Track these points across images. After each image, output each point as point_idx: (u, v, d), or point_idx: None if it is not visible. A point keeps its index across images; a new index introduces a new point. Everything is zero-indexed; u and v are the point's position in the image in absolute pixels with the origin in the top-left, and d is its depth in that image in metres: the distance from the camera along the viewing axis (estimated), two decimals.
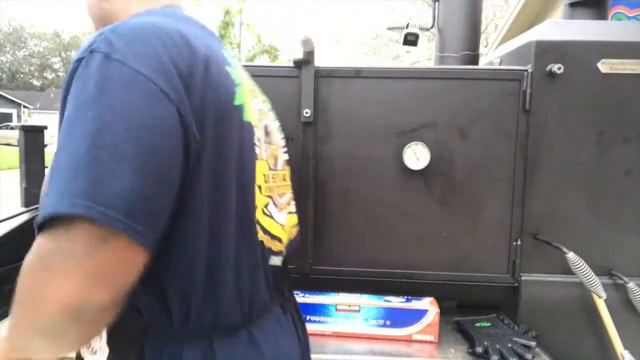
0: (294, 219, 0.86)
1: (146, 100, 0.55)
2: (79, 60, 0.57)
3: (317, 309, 1.40)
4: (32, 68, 55.50)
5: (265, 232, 0.71)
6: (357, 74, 1.46)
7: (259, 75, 1.50)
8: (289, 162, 0.91)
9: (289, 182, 0.87)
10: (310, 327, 1.34)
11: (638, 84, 1.42)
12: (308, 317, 1.40)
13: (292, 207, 0.87)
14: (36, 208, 1.78)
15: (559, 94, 1.44)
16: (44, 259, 0.50)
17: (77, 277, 0.48)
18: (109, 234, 0.49)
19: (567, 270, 1.40)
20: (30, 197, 1.94)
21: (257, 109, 0.76)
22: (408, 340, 1.36)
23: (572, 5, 1.68)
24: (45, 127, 2.16)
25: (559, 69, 1.41)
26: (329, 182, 1.49)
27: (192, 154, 0.59)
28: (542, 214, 1.46)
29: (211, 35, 0.75)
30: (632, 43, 1.42)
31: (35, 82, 55.40)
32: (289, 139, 1.49)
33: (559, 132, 1.45)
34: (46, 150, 2.22)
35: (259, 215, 0.70)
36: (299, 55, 1.47)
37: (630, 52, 1.41)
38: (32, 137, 2.05)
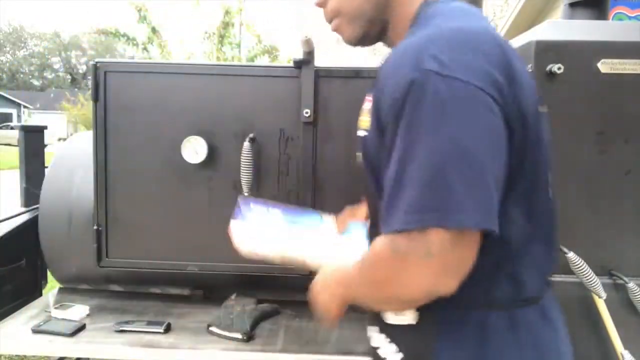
0: None
1: (485, 112, 0.61)
2: (411, 82, 0.62)
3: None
4: (32, 68, 55.48)
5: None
6: (357, 74, 1.46)
7: (259, 75, 1.50)
8: None
9: None
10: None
11: (638, 84, 1.42)
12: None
13: None
14: (36, 208, 1.78)
15: (559, 94, 1.44)
16: (403, 255, 0.63)
17: (435, 270, 0.62)
18: (461, 235, 0.61)
19: (567, 270, 1.40)
20: (30, 197, 1.94)
21: None
22: None
23: (572, 5, 1.68)
24: (45, 127, 2.16)
25: (559, 69, 1.41)
26: (329, 182, 1.49)
27: (514, 154, 0.65)
28: None
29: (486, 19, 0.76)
30: (632, 43, 1.42)
31: (35, 82, 55.37)
32: (289, 139, 1.49)
33: (559, 132, 1.45)
34: (46, 150, 2.22)
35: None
36: (299, 55, 1.47)
37: (630, 52, 1.41)
38: (32, 137, 2.05)
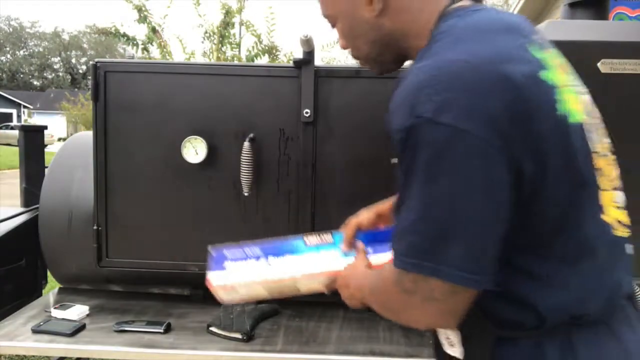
0: None
1: (480, 164, 0.59)
2: (407, 130, 0.61)
3: (281, 249, 1.08)
4: (32, 68, 55.48)
5: (623, 224, 0.70)
6: (357, 74, 1.46)
7: (259, 75, 1.50)
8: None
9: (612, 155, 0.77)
10: (272, 273, 1.04)
11: (638, 84, 1.42)
12: (270, 261, 1.06)
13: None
14: (36, 208, 1.78)
15: None
16: (409, 294, 0.65)
17: (436, 312, 0.66)
18: (457, 288, 0.62)
19: None
20: (30, 197, 1.94)
21: (574, 93, 0.69)
22: None
23: (572, 5, 1.68)
24: (45, 127, 2.16)
25: None
26: (329, 182, 1.49)
27: (527, 190, 0.62)
28: None
29: (511, 29, 0.70)
30: (632, 43, 1.42)
31: (35, 82, 55.38)
32: (289, 139, 1.49)
33: None
34: (46, 150, 2.22)
35: (614, 213, 0.69)
36: (299, 55, 1.47)
37: (630, 52, 1.41)
38: (32, 137, 2.05)
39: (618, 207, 0.71)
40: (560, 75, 0.69)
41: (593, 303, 0.67)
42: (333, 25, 0.85)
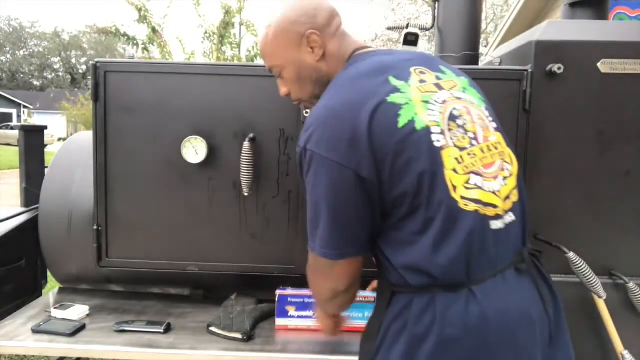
0: (512, 181, 0.93)
1: (329, 174, 0.86)
2: (298, 153, 0.92)
3: None
4: (32, 68, 55.44)
5: (477, 202, 0.85)
6: None
7: (259, 75, 1.50)
8: (498, 129, 0.97)
9: (500, 149, 0.93)
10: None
11: (638, 84, 1.42)
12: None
13: (507, 172, 0.92)
14: (36, 208, 1.78)
15: (559, 94, 1.44)
16: (313, 267, 0.98)
17: (328, 278, 0.96)
18: (322, 259, 0.92)
19: (567, 270, 1.40)
20: (30, 197, 1.94)
21: (435, 107, 0.88)
22: None
23: (572, 5, 1.68)
24: (45, 127, 2.16)
25: (559, 69, 1.41)
26: None
27: (377, 191, 0.85)
28: (542, 214, 1.45)
29: (380, 70, 0.90)
30: (632, 43, 1.42)
31: (35, 82, 55.34)
32: (289, 139, 1.49)
33: (559, 132, 1.45)
34: (46, 150, 2.22)
35: (461, 192, 0.84)
36: None
37: (630, 52, 1.41)
38: (32, 137, 2.05)
39: (469, 188, 0.85)
40: (415, 93, 0.88)
41: (440, 264, 0.84)
42: (279, 75, 1.06)
